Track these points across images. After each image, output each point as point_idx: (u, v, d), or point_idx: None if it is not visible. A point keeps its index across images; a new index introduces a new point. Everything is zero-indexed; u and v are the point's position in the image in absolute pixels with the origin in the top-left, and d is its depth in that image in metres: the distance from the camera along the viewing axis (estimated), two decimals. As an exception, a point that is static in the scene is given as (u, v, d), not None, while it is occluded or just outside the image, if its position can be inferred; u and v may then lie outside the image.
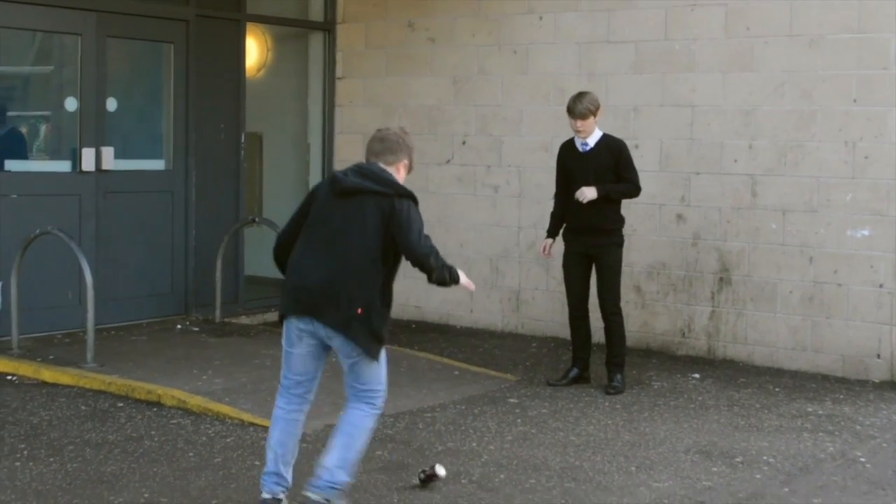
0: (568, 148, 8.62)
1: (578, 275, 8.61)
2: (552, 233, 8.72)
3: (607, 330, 8.57)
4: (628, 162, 8.50)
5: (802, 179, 9.23)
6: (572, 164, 8.52)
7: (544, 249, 8.76)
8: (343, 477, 5.60)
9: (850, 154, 9.04)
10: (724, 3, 9.55)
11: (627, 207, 9.95)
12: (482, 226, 10.92)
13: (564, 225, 8.65)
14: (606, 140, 8.49)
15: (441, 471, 6.24)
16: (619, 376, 8.49)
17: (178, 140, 10.64)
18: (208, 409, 7.59)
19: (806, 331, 9.27)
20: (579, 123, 8.38)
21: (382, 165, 5.78)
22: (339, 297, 5.48)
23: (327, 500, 5.56)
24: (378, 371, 5.71)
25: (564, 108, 10.23)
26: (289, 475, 5.73)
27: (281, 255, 5.77)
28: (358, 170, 5.71)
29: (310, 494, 5.57)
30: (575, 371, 8.69)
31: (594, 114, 8.39)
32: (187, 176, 10.67)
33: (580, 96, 8.42)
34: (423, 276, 11.78)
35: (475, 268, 10.96)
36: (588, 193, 8.34)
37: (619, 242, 8.57)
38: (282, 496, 5.69)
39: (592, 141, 8.45)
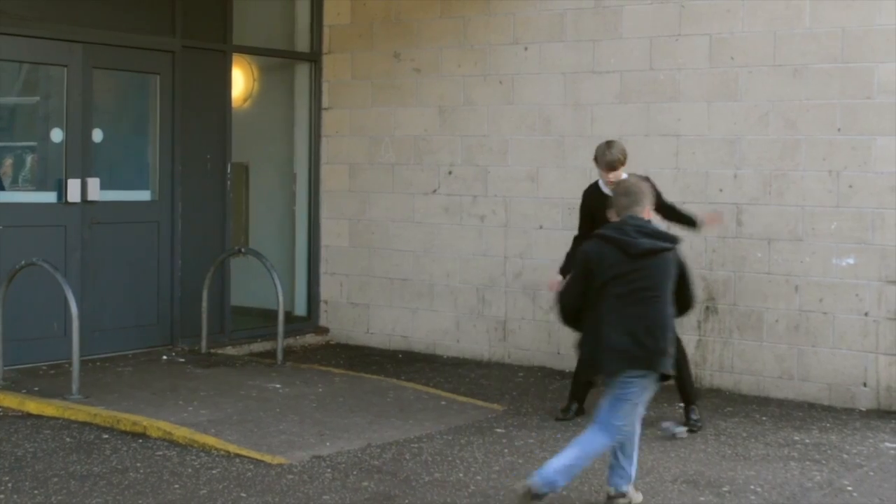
0: (594, 193, 8.35)
1: None
2: (566, 272, 8.40)
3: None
4: (659, 196, 8.28)
5: (787, 208, 9.26)
6: (601, 208, 8.09)
7: (552, 287, 8.34)
8: (559, 480, 6.07)
9: (834, 183, 9.09)
10: (709, 34, 9.60)
11: (613, 237, 9.96)
12: (468, 255, 10.93)
13: None
14: None
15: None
16: (695, 408, 8.32)
17: (163, 171, 10.64)
18: (194, 441, 7.56)
19: (792, 359, 9.28)
20: (611, 175, 8.17)
21: (638, 215, 6.21)
22: (668, 347, 6.14)
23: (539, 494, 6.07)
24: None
25: (550, 138, 10.35)
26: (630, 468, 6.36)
27: (573, 318, 6.28)
28: (639, 229, 6.13)
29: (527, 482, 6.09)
30: (576, 405, 8.61)
31: (623, 163, 8.22)
32: (173, 206, 10.66)
33: (609, 146, 8.21)
34: (410, 307, 11.86)
35: (461, 297, 10.97)
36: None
37: None
38: (625, 488, 6.34)
39: None
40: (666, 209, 8.31)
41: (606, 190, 8.27)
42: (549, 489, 6.02)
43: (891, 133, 8.85)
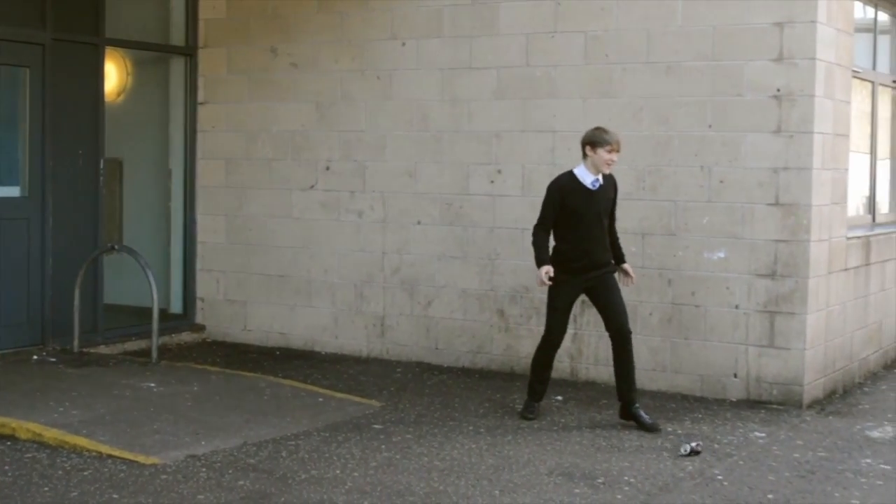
0: (573, 185, 8.15)
1: (568, 311, 8.38)
2: (549, 260, 8.17)
3: (626, 355, 8.20)
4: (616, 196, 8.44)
5: (660, 203, 9.41)
6: (580, 203, 8.13)
7: (546, 275, 8.05)
8: None
9: (706, 178, 9.26)
10: (584, 31, 9.71)
11: (491, 232, 10.08)
12: (346, 251, 10.89)
13: (554, 262, 8.17)
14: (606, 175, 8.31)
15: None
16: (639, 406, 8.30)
17: (34, 166, 10.38)
18: (65, 442, 7.40)
19: (665, 352, 9.44)
20: (616, 156, 8.13)
21: None
22: None
23: None
24: None
25: (427, 134, 10.36)
26: None
27: None
28: None
29: None
30: (537, 405, 8.54)
31: None
32: (44, 203, 10.42)
33: (604, 128, 8.16)
34: (288, 303, 11.75)
35: (339, 293, 10.92)
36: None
37: (614, 268, 8.40)
38: None
39: (601, 177, 8.21)
40: (611, 230, 8.38)
41: (591, 183, 8.12)
42: None
43: (760, 130, 9.05)
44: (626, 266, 8.49)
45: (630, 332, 8.24)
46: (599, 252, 8.23)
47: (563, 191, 8.17)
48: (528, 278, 9.95)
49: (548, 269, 8.08)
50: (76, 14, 10.67)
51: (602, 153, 8.07)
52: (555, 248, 8.31)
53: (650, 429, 8.09)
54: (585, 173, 8.16)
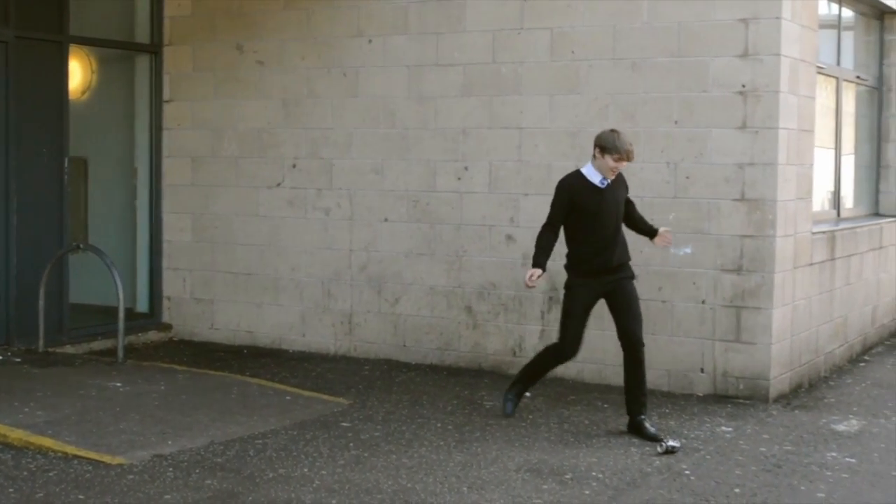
0: (581, 184, 7.91)
1: (585, 318, 8.10)
2: (544, 264, 7.97)
3: (637, 366, 7.95)
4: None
5: (627, 199, 9.43)
6: (590, 201, 7.88)
7: (531, 278, 7.87)
8: None
9: (672, 174, 9.29)
10: (550, 27, 9.72)
11: (458, 229, 10.08)
12: (313, 249, 10.86)
13: (568, 266, 8.06)
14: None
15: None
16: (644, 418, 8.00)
17: (-3, 165, 10.32)
18: (30, 443, 7.34)
19: (633, 347, 9.46)
20: (624, 164, 7.88)
21: None
22: None
23: None
24: None
25: (394, 131, 10.34)
26: None
27: None
28: None
29: None
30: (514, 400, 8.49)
31: None
32: (8, 202, 10.33)
33: (619, 134, 7.82)
34: (255, 301, 11.70)
35: (307, 291, 10.90)
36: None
37: (633, 274, 8.17)
38: None
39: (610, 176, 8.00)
40: (632, 218, 8.22)
41: (600, 181, 7.88)
42: None
43: (725, 125, 9.09)
44: (660, 230, 8.28)
45: (643, 344, 7.97)
46: (613, 252, 7.96)
47: (572, 190, 7.94)
48: (496, 275, 9.96)
49: (539, 273, 7.86)
50: (40, 11, 10.59)
51: (609, 160, 7.81)
52: (568, 251, 8.10)
53: (652, 438, 7.78)
54: (593, 172, 7.92)
